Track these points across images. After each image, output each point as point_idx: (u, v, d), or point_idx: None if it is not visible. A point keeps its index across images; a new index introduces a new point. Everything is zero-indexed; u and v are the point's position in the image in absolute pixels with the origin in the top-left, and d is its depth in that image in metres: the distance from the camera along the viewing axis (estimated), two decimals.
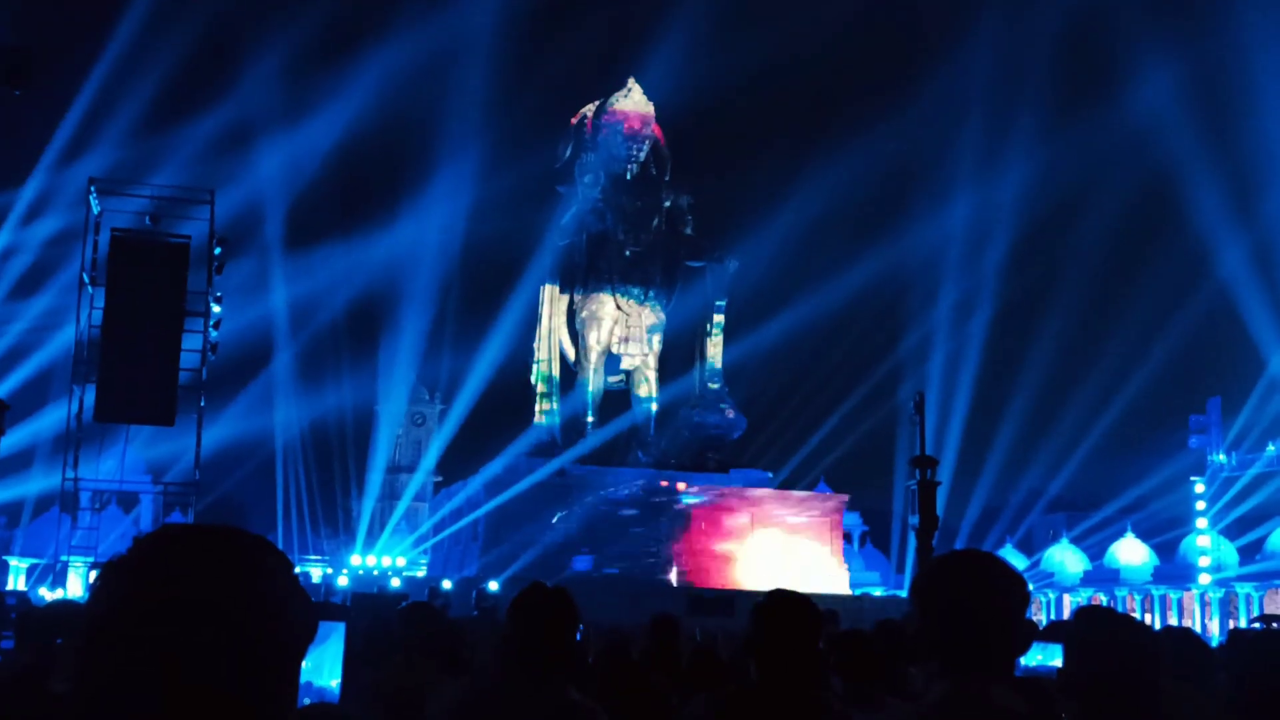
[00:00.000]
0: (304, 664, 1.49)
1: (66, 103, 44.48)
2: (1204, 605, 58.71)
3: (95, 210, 30.71)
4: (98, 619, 1.41)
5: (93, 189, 30.92)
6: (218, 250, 30.97)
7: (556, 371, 46.16)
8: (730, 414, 45.87)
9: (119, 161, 45.19)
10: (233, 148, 51.28)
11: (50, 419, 38.21)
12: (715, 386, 46.04)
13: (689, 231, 47.11)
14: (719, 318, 46.48)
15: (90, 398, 29.37)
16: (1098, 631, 3.23)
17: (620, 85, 47.30)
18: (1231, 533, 60.47)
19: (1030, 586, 2.88)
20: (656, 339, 46.53)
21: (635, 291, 45.99)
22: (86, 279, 30.35)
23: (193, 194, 32.55)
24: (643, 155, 47.10)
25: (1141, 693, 3.12)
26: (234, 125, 52.63)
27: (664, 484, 41.68)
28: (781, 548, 41.43)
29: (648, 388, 46.47)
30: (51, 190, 42.71)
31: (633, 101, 46.84)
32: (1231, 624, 52.37)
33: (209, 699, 1.37)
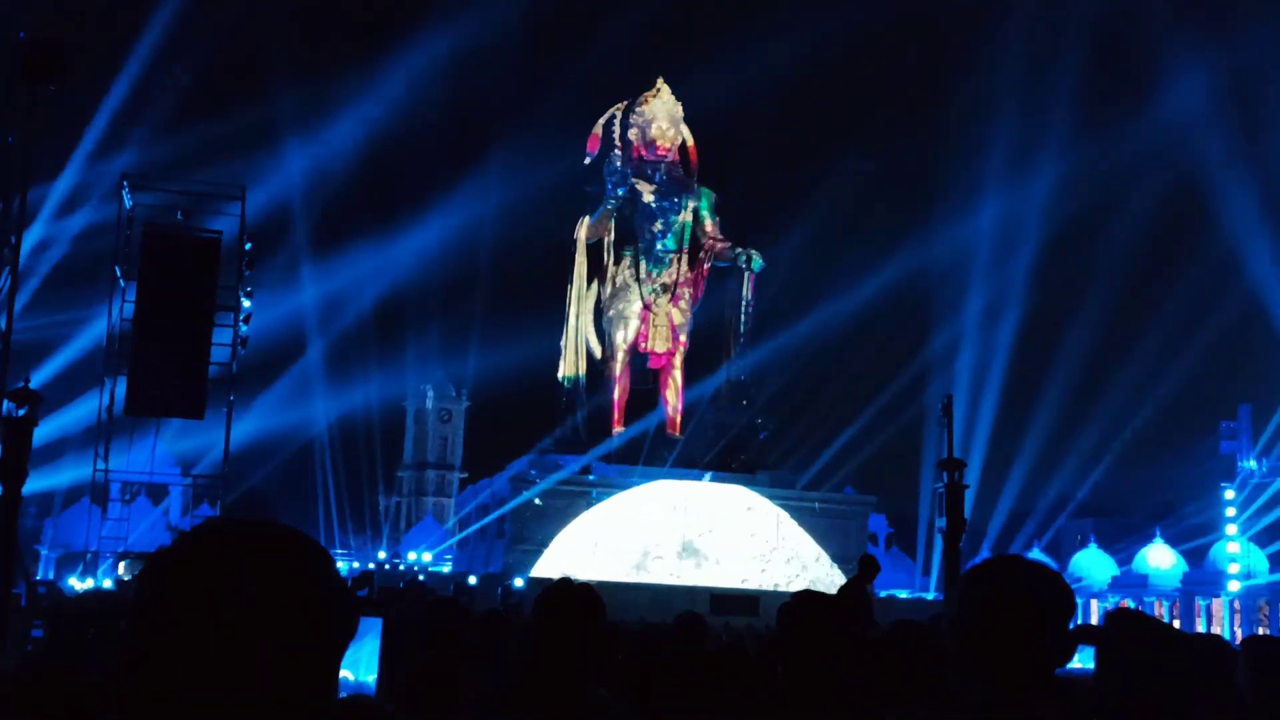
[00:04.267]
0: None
1: (100, 98, 44.76)
2: (1233, 612, 58.15)
3: (128, 205, 30.98)
4: (141, 611, 1.43)
5: (125, 184, 31.20)
6: (248, 245, 31.18)
7: (583, 370, 46.19)
8: (756, 414, 45.80)
9: (152, 157, 45.46)
10: (264, 144, 51.53)
11: (81, 411, 38.49)
12: (741, 387, 45.98)
13: (716, 231, 47.06)
14: (745, 318, 46.41)
15: (121, 390, 29.64)
16: (1133, 638, 3.20)
17: (649, 85, 47.31)
18: (1262, 540, 59.85)
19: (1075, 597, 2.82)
20: (683, 338, 46.51)
21: (662, 291, 45.97)
22: (119, 273, 30.61)
23: (224, 190, 32.82)
24: (670, 155, 47.09)
25: (1177, 701, 3.09)
26: (266, 122, 52.92)
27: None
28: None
29: (674, 387, 46.44)
30: (85, 185, 43.00)
31: (661, 101, 46.85)
32: (1260, 630, 51.86)
33: (250, 690, 1.39)
